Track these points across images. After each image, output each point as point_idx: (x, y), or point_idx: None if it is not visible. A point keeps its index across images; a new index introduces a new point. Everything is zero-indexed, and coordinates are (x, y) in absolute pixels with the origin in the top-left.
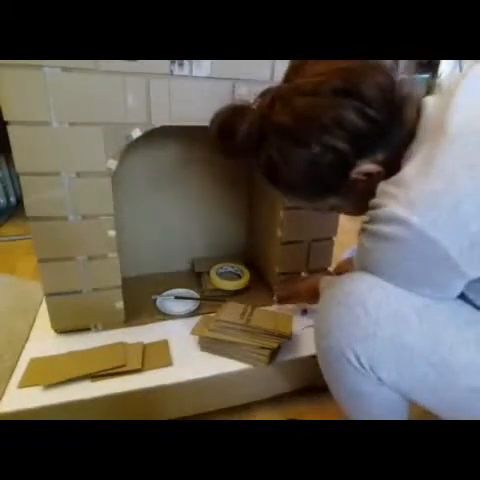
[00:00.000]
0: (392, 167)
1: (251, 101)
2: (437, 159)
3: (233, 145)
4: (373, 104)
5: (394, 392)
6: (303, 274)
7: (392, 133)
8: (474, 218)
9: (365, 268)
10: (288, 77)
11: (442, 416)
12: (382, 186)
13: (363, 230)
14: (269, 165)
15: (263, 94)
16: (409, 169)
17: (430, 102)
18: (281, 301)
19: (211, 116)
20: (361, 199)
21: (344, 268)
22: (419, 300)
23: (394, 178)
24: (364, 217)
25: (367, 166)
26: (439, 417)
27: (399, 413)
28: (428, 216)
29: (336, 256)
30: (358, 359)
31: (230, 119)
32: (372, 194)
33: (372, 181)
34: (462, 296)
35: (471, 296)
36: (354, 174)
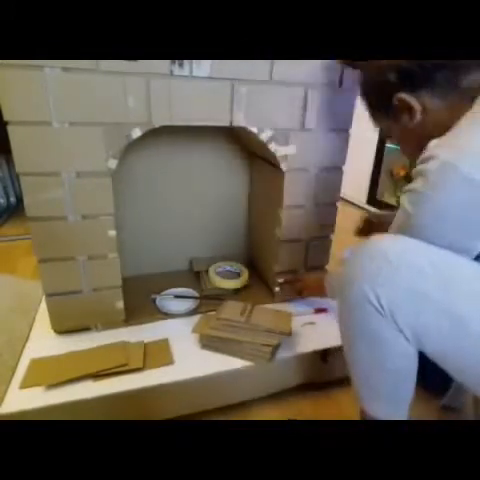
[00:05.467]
0: (438, 118)
1: None
2: None
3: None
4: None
5: (410, 344)
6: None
7: (437, 82)
8: None
9: (407, 228)
10: None
11: (447, 365)
12: (433, 142)
13: (409, 190)
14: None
15: None
16: (457, 128)
17: None
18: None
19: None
20: (410, 139)
21: None
22: (435, 254)
23: (444, 137)
24: (413, 172)
25: (407, 96)
26: (444, 367)
27: (409, 377)
28: (475, 162)
29: (334, 255)
30: (379, 300)
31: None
32: (421, 139)
33: (416, 122)
34: None
35: None
36: (396, 99)
